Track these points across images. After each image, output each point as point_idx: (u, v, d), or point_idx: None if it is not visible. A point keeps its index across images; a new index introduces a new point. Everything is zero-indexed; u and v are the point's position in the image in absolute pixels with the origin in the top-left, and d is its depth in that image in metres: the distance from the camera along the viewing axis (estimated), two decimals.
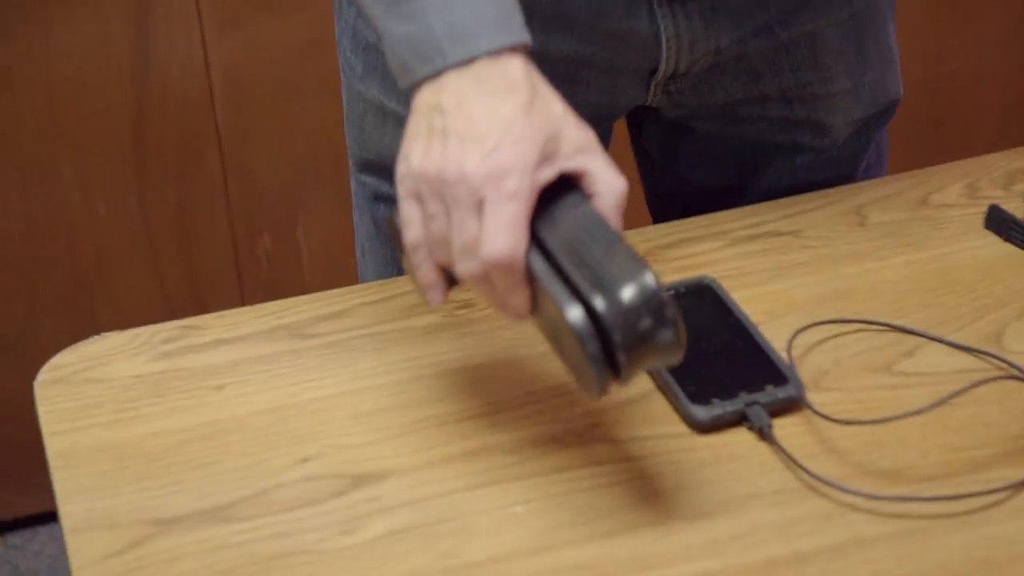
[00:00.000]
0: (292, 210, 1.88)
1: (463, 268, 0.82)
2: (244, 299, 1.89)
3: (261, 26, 1.76)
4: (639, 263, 0.78)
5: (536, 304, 0.82)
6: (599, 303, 0.77)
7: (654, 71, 1.10)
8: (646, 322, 0.77)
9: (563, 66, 1.07)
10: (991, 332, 0.97)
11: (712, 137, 1.18)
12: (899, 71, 1.21)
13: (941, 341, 0.97)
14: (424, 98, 0.84)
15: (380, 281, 1.06)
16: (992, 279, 1.03)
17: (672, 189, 1.24)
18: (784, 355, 0.94)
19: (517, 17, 0.85)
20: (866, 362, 0.95)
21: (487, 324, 0.99)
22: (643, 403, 0.92)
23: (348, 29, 1.15)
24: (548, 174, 0.81)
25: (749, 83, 1.13)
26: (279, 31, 1.77)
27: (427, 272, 0.85)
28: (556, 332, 0.81)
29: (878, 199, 1.11)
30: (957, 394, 0.91)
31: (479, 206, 0.81)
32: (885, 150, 1.24)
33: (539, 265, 0.81)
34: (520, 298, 0.82)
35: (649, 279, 0.77)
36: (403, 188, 0.85)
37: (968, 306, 1.00)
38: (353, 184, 1.21)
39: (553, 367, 0.93)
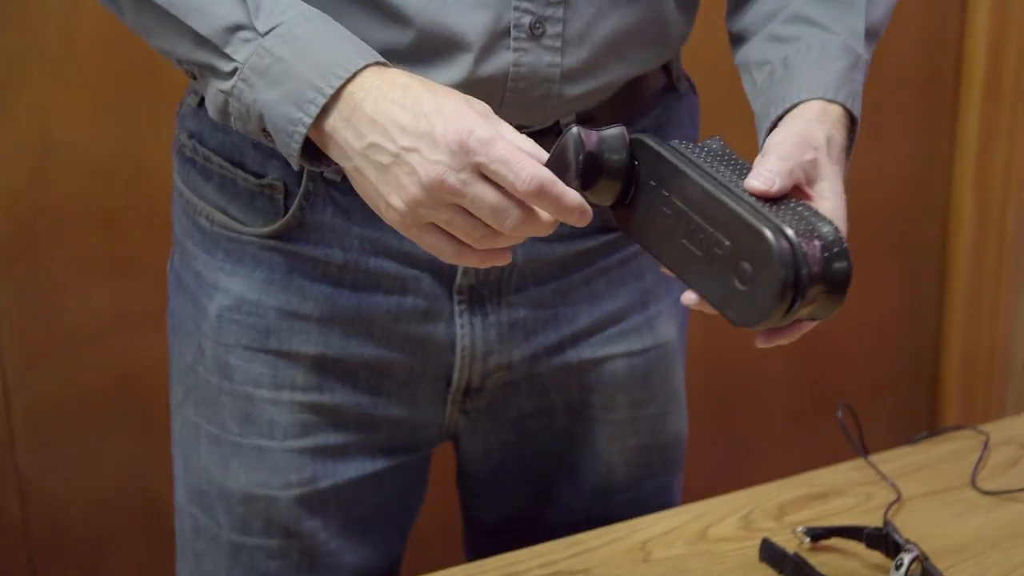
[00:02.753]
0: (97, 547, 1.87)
1: (509, 223, 0.88)
2: None
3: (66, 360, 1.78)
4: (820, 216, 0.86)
5: (661, 228, 0.88)
6: (798, 246, 0.82)
7: (449, 382, 1.15)
8: (841, 264, 0.83)
9: (364, 373, 1.12)
10: None
11: (506, 463, 1.24)
12: (685, 411, 1.28)
13: None
14: (348, 151, 0.91)
15: None
16: None
17: (478, 519, 1.30)
18: None
19: (368, 47, 0.93)
20: None
21: None
22: None
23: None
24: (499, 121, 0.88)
25: (540, 397, 1.20)
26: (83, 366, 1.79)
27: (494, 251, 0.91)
28: (710, 257, 0.85)
29: (661, 534, 1.18)
30: None
31: (477, 173, 0.87)
32: (675, 486, 1.29)
33: (703, 185, 0.86)
34: (575, 209, 0.87)
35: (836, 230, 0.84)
36: (407, 231, 0.91)
37: None
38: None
39: None
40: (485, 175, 0.88)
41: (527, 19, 1.00)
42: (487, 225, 0.90)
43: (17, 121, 1.59)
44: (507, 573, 1.13)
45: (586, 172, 0.89)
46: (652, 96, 1.14)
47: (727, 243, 0.85)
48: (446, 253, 0.92)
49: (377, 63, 0.92)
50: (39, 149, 1.61)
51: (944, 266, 2.17)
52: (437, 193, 0.89)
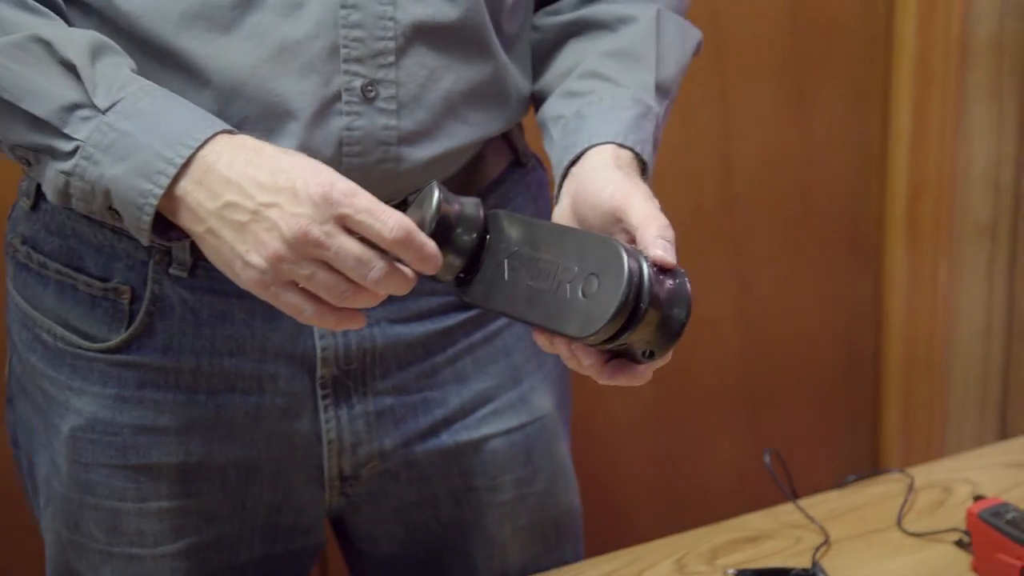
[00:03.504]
0: None
1: (372, 275, 0.88)
2: None
3: None
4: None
5: (506, 282, 0.93)
6: (645, 265, 0.88)
7: (322, 470, 1.12)
8: (683, 300, 0.89)
9: (233, 471, 1.10)
10: None
11: (395, 555, 1.22)
12: (575, 483, 1.26)
13: None
14: (201, 213, 0.90)
15: None
16: None
17: None
18: None
19: (214, 116, 0.93)
20: None
21: None
22: None
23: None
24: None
25: (421, 486, 1.17)
26: None
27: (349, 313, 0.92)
28: (556, 286, 0.90)
29: None
30: None
31: (340, 225, 0.88)
32: (575, 560, 1.26)
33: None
34: (435, 257, 0.90)
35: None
36: (265, 290, 0.90)
37: None
38: None
39: None
40: (348, 227, 0.88)
41: (358, 82, 1.00)
42: (349, 281, 0.89)
43: None
44: None
45: (437, 233, 0.92)
46: (499, 172, 1.14)
47: (576, 268, 0.89)
48: (305, 313, 0.91)
49: (225, 131, 0.92)
50: None
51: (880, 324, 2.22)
52: (301, 246, 0.88)
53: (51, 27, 0.93)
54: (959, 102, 2.09)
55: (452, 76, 1.04)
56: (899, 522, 1.27)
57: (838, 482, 1.35)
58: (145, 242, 0.93)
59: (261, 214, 0.89)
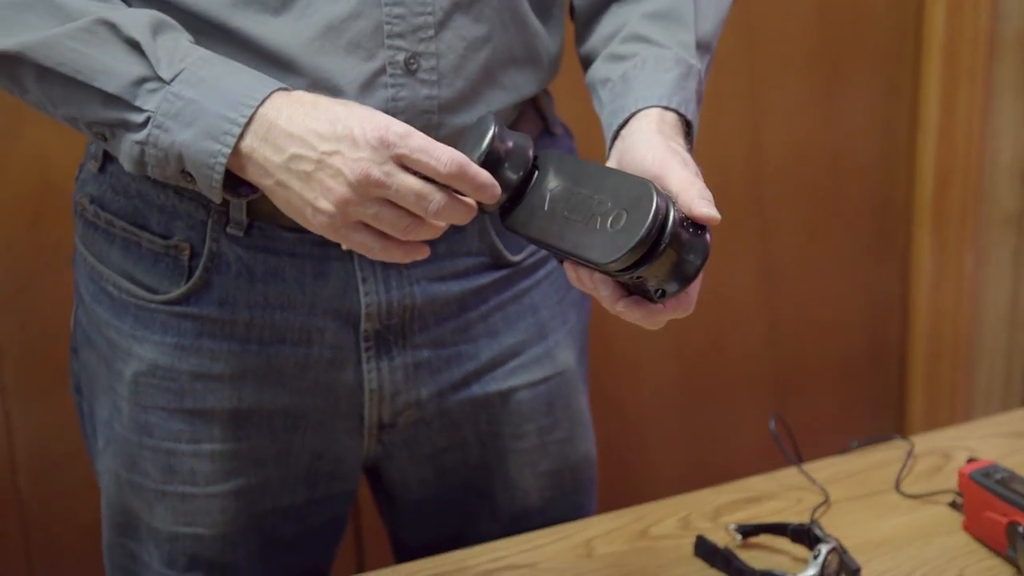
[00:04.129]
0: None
1: (432, 207, 0.94)
2: None
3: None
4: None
5: (544, 213, 0.98)
6: (672, 209, 0.94)
7: (363, 419, 1.21)
8: (701, 248, 0.95)
9: (279, 419, 1.19)
10: None
11: (426, 497, 1.30)
12: (591, 433, 1.34)
13: None
14: (269, 167, 0.96)
15: None
16: None
17: (404, 543, 1.36)
18: None
19: (269, 77, 1.00)
20: None
21: None
22: None
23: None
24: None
25: (452, 432, 1.25)
26: None
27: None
28: (588, 218, 0.96)
29: (604, 533, 1.27)
30: None
31: (399, 164, 0.94)
32: (589, 506, 1.35)
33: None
34: (490, 187, 0.95)
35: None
36: (336, 233, 0.97)
37: None
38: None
39: None
40: (406, 166, 0.95)
41: (401, 56, 1.06)
42: (412, 215, 0.96)
43: (15, 166, 1.70)
44: (459, 567, 1.22)
45: (486, 165, 0.98)
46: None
47: (609, 204, 0.95)
48: (374, 249, 0.98)
49: (282, 88, 0.99)
50: (37, 192, 1.71)
51: (905, 313, 2.26)
52: (364, 188, 0.94)
53: (113, 10, 1.00)
54: (987, 96, 2.13)
55: (489, 46, 1.11)
56: (897, 485, 1.32)
57: (841, 448, 1.40)
58: (217, 200, 1.00)
59: (325, 162, 0.95)
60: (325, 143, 0.95)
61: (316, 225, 0.98)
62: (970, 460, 1.27)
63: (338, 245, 1.13)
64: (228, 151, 0.97)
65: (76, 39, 0.99)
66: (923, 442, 1.40)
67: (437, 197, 0.95)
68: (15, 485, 1.88)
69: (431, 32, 1.08)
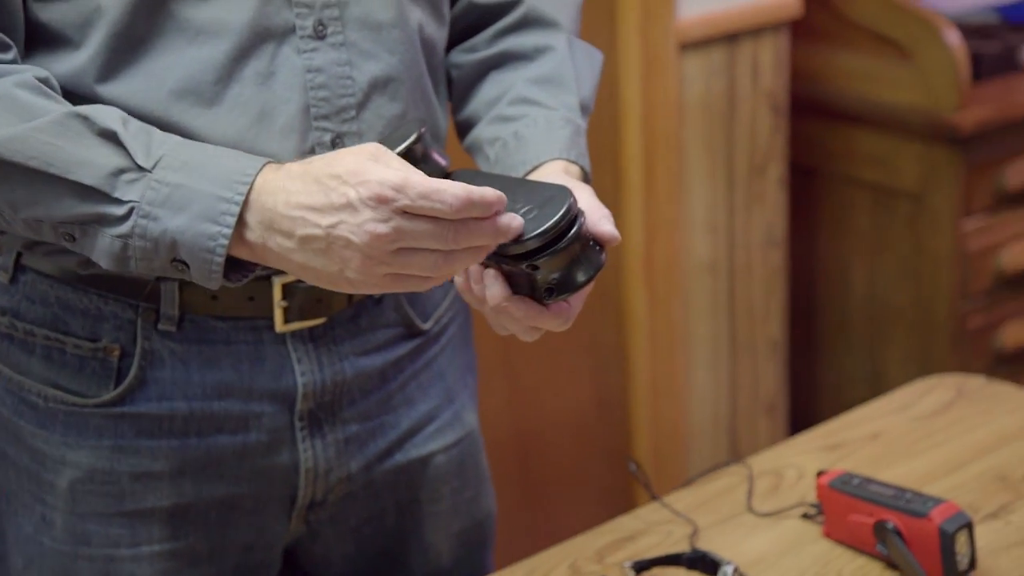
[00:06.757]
0: None
1: (452, 238, 0.95)
2: None
3: None
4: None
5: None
6: (583, 217, 1.03)
7: (294, 500, 1.22)
8: (596, 262, 1.04)
9: (215, 511, 1.19)
10: None
11: (344, 572, 1.32)
12: (492, 489, 1.42)
13: None
14: (286, 253, 0.96)
15: None
16: None
17: None
18: None
19: (249, 154, 1.00)
20: None
21: None
22: None
23: None
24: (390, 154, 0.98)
25: (373, 503, 1.29)
26: None
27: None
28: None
29: None
30: None
31: (403, 215, 0.94)
32: (489, 558, 1.42)
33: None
34: (500, 201, 0.97)
35: None
36: (383, 289, 0.97)
37: None
38: None
39: None
40: (412, 213, 0.95)
41: (328, 136, 1.11)
42: (437, 250, 0.96)
43: None
44: None
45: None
46: None
47: (523, 202, 1.02)
48: (426, 285, 0.98)
49: (268, 162, 1.00)
50: None
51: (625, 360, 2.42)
52: (377, 248, 0.95)
53: (78, 106, 0.99)
54: (680, 158, 2.33)
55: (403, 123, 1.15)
56: (749, 506, 1.45)
57: (683, 481, 1.52)
58: (215, 287, 0.98)
59: (332, 235, 0.95)
60: (326, 217, 0.96)
61: (362, 290, 0.99)
62: (820, 473, 1.41)
63: (271, 328, 1.15)
64: (229, 231, 0.96)
65: (48, 132, 0.97)
66: (756, 464, 1.53)
67: (453, 229, 0.95)
68: None
69: (352, 113, 1.12)
